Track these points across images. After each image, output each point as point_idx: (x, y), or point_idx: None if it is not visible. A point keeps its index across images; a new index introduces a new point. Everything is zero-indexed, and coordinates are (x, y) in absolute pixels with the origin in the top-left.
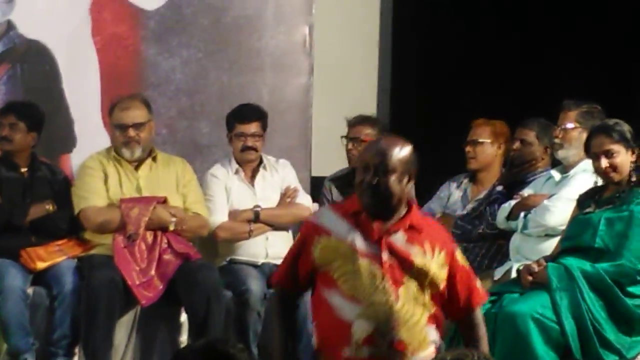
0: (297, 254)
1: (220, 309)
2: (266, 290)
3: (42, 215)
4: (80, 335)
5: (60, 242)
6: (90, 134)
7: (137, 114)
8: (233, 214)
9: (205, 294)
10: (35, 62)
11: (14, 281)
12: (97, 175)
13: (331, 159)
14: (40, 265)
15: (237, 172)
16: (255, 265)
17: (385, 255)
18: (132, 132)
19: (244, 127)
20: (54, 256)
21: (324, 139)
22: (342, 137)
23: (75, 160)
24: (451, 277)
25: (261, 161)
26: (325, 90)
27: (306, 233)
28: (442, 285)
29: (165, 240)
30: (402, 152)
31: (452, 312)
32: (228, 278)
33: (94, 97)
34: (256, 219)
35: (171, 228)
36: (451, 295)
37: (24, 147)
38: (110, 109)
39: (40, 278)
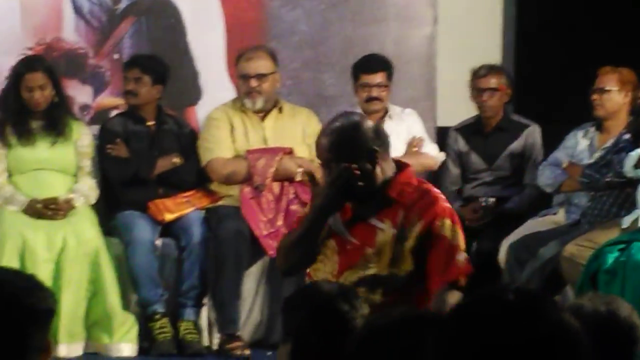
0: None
1: None
2: None
3: (169, 168)
4: (208, 286)
5: (187, 193)
6: (215, 86)
7: (260, 64)
8: None
9: None
10: (160, 15)
11: (142, 233)
12: (223, 127)
13: (456, 109)
14: (168, 216)
15: None
16: None
17: (348, 237)
18: (254, 83)
19: (369, 78)
20: (181, 208)
21: (449, 89)
22: (468, 87)
23: (200, 112)
24: (427, 249)
25: (387, 111)
26: (450, 40)
27: None
28: (409, 261)
29: (292, 191)
30: (353, 136)
31: (427, 286)
32: None
33: (219, 49)
34: None
35: (297, 179)
36: (426, 268)
37: (149, 100)
38: (237, 59)
39: (169, 229)
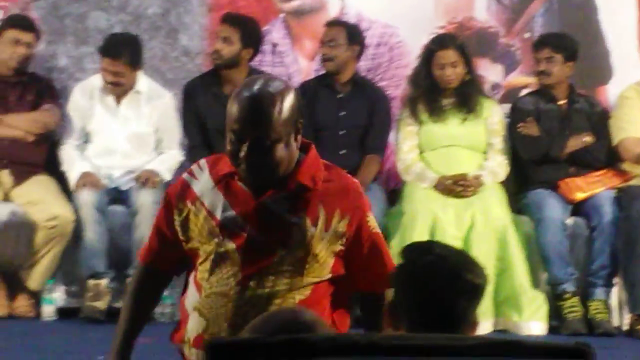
0: (161, 223)
1: None
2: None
3: (580, 147)
4: (619, 266)
5: (598, 172)
6: (626, 65)
7: None
8: None
9: None
10: None
11: (553, 212)
12: (636, 106)
13: None
14: (579, 195)
15: None
16: None
17: (249, 232)
18: None
19: None
20: (592, 187)
21: None
22: None
23: (612, 91)
24: (357, 249)
25: None
26: None
27: (171, 195)
28: (331, 264)
29: None
30: (284, 108)
31: (355, 286)
32: None
33: (630, 28)
34: None
35: None
36: (356, 269)
37: (561, 79)
38: None
39: (579, 208)
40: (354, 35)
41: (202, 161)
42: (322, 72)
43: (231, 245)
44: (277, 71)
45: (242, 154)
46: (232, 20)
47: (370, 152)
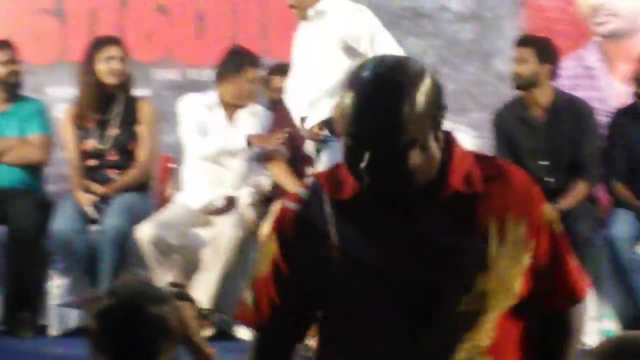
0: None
1: None
2: None
3: None
4: None
5: None
6: None
7: None
8: None
9: None
10: None
11: None
12: None
13: None
14: None
15: None
16: None
17: (401, 269)
18: None
19: None
20: None
21: None
22: None
23: None
24: (539, 254)
25: None
26: None
27: (282, 231)
28: (517, 285)
29: None
30: (417, 100)
31: (534, 307)
32: None
33: None
34: None
35: None
36: (538, 283)
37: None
38: None
39: None
40: None
41: (312, 180)
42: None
43: (380, 290)
44: (592, 95)
45: (363, 164)
46: (525, 41)
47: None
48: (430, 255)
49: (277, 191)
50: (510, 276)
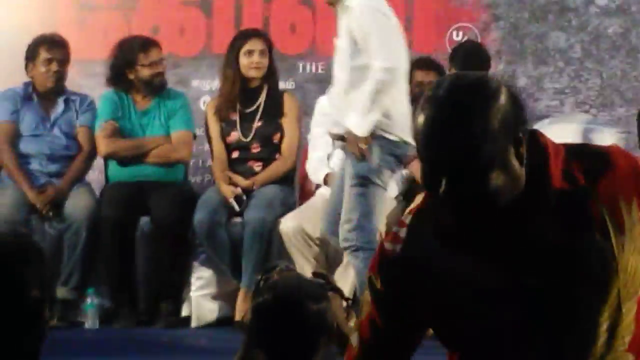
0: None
1: None
2: None
3: None
4: None
5: None
6: None
7: None
8: None
9: None
10: None
11: None
12: None
13: None
14: None
15: None
16: None
17: (525, 287)
18: None
19: None
20: None
21: None
22: None
23: None
24: None
25: None
26: None
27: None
28: None
29: None
30: (491, 118)
31: None
32: None
33: None
34: None
35: None
36: None
37: None
38: None
39: None
40: None
41: (408, 217)
42: None
43: (513, 313)
44: None
45: (441, 189)
46: None
47: None
48: (553, 262)
49: (417, 186)
50: (635, 263)
